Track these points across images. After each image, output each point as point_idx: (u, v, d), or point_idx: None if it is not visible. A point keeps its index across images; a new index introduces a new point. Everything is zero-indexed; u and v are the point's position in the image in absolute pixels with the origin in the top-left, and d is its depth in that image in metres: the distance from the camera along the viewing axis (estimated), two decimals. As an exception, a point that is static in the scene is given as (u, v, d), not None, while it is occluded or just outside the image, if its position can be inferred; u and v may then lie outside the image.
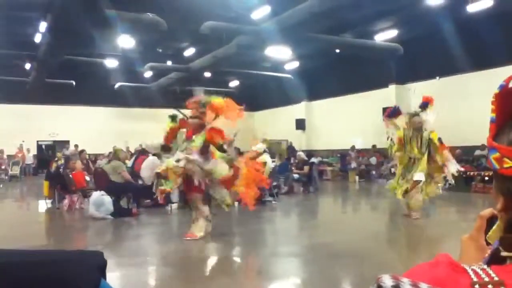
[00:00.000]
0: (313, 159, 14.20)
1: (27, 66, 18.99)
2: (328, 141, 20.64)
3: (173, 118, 6.57)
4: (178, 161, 5.85)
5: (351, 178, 16.90)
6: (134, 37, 14.88)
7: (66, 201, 9.55)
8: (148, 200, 9.82)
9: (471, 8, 12.41)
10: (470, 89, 13.96)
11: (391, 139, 8.07)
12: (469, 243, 0.69)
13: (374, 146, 17.13)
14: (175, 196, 8.98)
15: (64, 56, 16.61)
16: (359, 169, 17.05)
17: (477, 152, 13.32)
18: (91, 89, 20.93)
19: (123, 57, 18.56)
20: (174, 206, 9.20)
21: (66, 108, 22.07)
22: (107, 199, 8.36)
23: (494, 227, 0.65)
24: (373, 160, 16.97)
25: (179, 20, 14.16)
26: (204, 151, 6.08)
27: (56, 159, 11.26)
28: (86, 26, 12.13)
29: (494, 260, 0.58)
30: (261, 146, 11.16)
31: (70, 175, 9.70)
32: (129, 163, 11.24)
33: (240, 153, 7.60)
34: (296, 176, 12.85)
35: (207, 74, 20.88)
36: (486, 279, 0.51)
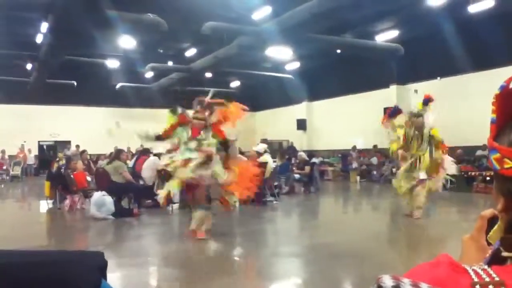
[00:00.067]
0: (314, 159, 14.19)
1: (29, 66, 19.02)
2: (329, 141, 20.63)
3: (173, 111, 6.53)
4: (190, 166, 5.85)
5: (352, 178, 16.90)
6: (135, 38, 14.89)
7: (67, 202, 9.55)
8: (149, 201, 9.83)
9: (472, 9, 12.39)
10: (471, 89, 13.95)
11: (398, 137, 8.10)
12: (470, 243, 0.69)
13: (375, 146, 17.13)
14: (176, 197, 8.98)
15: (65, 57, 16.64)
16: (360, 169, 17.05)
17: (479, 152, 13.31)
18: (92, 90, 20.96)
19: (124, 58, 18.59)
20: (175, 206, 9.20)
21: (67, 109, 22.10)
22: (108, 200, 8.37)
23: (495, 228, 0.65)
24: (374, 160, 16.96)
25: (180, 21, 14.18)
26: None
27: (57, 159, 11.28)
28: (87, 27, 12.15)
29: (495, 260, 0.58)
30: (262, 147, 11.21)
31: (72, 176, 9.70)
32: (130, 163, 11.25)
33: (241, 153, 7.62)
34: (297, 176, 12.84)
35: (208, 75, 20.90)
36: (487, 279, 0.51)
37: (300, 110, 22.92)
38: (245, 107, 6.37)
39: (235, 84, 24.54)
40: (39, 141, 22.42)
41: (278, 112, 24.69)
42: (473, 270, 0.52)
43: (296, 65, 20.22)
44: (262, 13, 13.80)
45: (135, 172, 10.21)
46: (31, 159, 20.84)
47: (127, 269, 4.95)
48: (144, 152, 11.22)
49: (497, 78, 0.81)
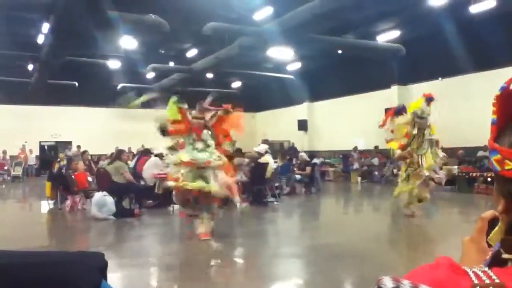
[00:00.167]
0: (315, 160, 14.19)
1: (30, 67, 19.04)
2: (330, 142, 20.62)
3: (178, 100, 6.53)
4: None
5: (353, 179, 16.89)
6: (136, 38, 14.90)
7: (68, 202, 9.56)
8: (150, 201, 9.84)
9: (474, 9, 12.37)
10: (472, 90, 13.93)
11: (400, 136, 8.18)
12: (470, 245, 0.69)
13: (376, 147, 17.11)
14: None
15: (67, 57, 16.65)
16: (361, 170, 17.03)
17: (480, 153, 13.28)
18: (94, 90, 20.96)
19: (125, 58, 18.60)
20: (176, 207, 9.20)
21: (69, 109, 22.13)
22: (109, 200, 8.38)
23: (495, 229, 0.64)
24: (375, 161, 16.95)
25: (181, 21, 14.18)
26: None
27: (58, 159, 11.28)
28: (89, 27, 12.15)
29: (495, 262, 0.58)
30: (263, 147, 11.22)
31: (73, 176, 9.71)
32: (131, 163, 11.26)
33: (241, 153, 7.66)
34: (298, 177, 12.84)
35: (210, 75, 20.91)
36: (487, 281, 0.50)
37: (301, 110, 22.92)
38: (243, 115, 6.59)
39: (236, 84, 24.55)
40: (40, 142, 22.45)
41: (279, 113, 24.69)
42: (473, 272, 0.52)
43: (297, 65, 20.21)
44: (263, 13, 13.80)
45: (136, 173, 10.22)
46: (32, 160, 20.86)
47: (127, 269, 4.96)
48: (145, 153, 11.24)
49: (499, 79, 0.80)
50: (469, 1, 12.23)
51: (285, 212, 10.06)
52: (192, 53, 18.99)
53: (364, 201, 12.79)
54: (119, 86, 22.20)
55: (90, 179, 10.40)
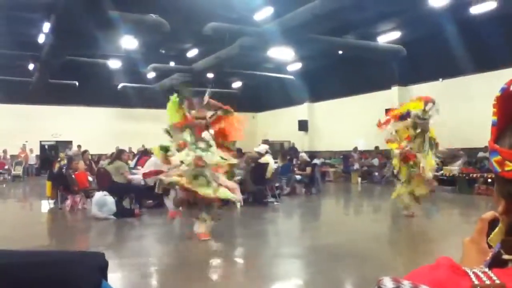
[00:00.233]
0: (316, 160, 14.19)
1: (30, 66, 19.04)
2: (330, 143, 20.62)
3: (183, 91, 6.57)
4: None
5: (354, 179, 16.89)
6: (137, 38, 14.90)
7: (68, 202, 9.57)
8: (150, 201, 9.84)
9: (474, 10, 12.38)
10: (473, 91, 13.92)
11: (400, 138, 8.19)
12: (471, 245, 0.69)
13: (376, 147, 17.10)
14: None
15: (67, 57, 16.65)
16: (362, 171, 17.03)
17: (480, 154, 13.27)
18: (94, 90, 20.97)
19: (126, 58, 18.60)
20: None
21: (69, 109, 22.13)
22: (110, 200, 8.38)
23: (495, 230, 0.64)
24: (376, 161, 16.94)
25: (182, 21, 14.18)
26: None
27: (59, 159, 11.28)
28: (89, 27, 12.15)
29: (496, 263, 0.58)
30: (263, 147, 11.22)
31: (73, 176, 9.71)
32: (132, 163, 11.26)
33: (242, 153, 7.65)
34: (298, 177, 12.84)
35: (210, 75, 20.91)
36: (487, 282, 0.50)
37: (301, 111, 22.91)
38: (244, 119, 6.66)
39: (236, 84, 24.54)
40: (40, 141, 22.45)
41: (280, 113, 24.69)
42: (473, 272, 0.52)
43: (298, 66, 20.21)
44: (264, 13, 13.80)
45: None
46: (32, 159, 20.87)
47: (128, 269, 4.95)
48: (145, 153, 11.24)
49: (499, 80, 0.80)
50: (469, 2, 12.23)
51: (285, 213, 10.06)
52: (192, 53, 18.99)
53: (364, 201, 12.79)
54: (120, 86, 22.21)
55: (90, 178, 10.40)
